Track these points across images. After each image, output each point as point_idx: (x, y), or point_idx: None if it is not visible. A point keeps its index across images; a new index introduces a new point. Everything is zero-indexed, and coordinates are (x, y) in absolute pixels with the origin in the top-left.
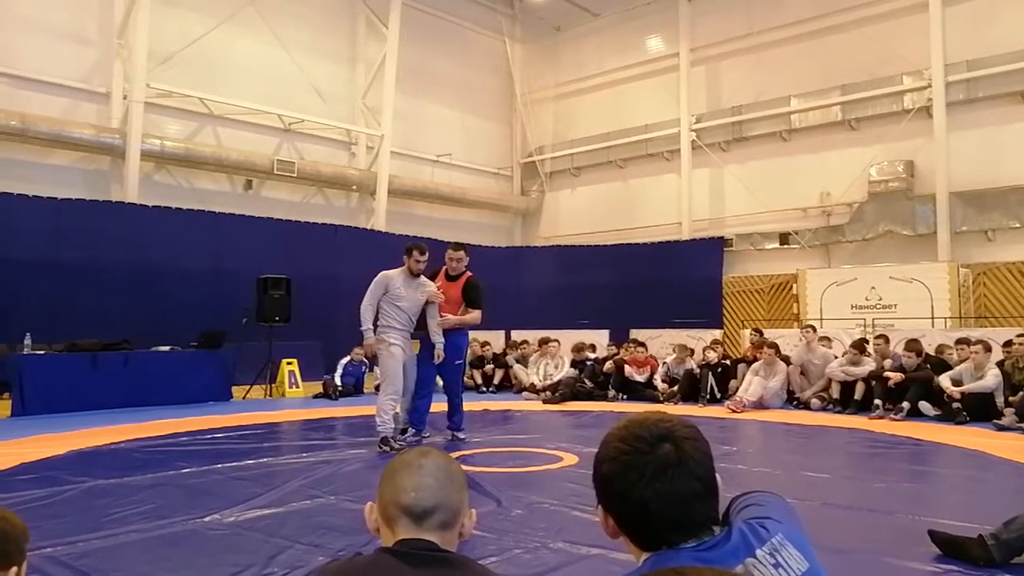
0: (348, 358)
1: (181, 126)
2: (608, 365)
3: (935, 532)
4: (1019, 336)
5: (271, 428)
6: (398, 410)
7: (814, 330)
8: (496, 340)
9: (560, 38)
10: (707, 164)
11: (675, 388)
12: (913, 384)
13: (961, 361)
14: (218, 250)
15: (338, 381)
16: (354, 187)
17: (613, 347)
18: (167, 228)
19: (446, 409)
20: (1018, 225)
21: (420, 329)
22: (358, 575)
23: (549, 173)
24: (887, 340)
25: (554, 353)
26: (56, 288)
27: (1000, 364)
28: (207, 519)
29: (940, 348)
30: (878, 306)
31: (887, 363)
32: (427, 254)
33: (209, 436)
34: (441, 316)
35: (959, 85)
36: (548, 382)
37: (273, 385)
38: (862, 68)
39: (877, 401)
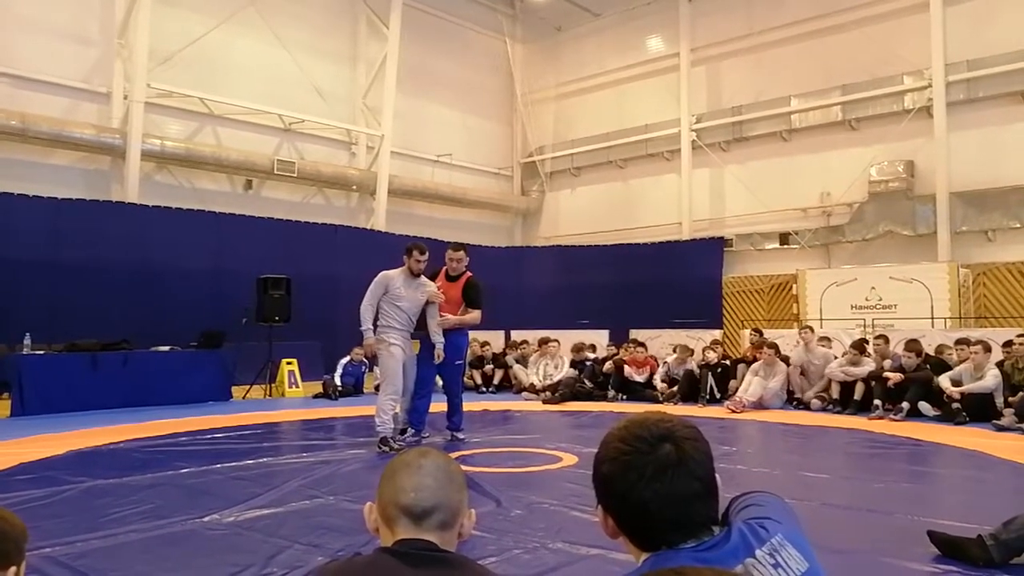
0: (348, 358)
1: (181, 126)
2: (608, 365)
3: (934, 532)
4: (1019, 336)
5: (271, 428)
6: (398, 410)
7: (812, 330)
8: (496, 340)
9: (561, 38)
10: (707, 164)
11: (675, 388)
12: (913, 384)
13: (961, 361)
14: (218, 250)
15: (338, 381)
16: (354, 187)
17: (613, 347)
18: (167, 228)
19: (445, 409)
20: (1018, 225)
21: (420, 329)
22: (357, 575)
23: (549, 173)
24: (887, 340)
25: (554, 353)
26: (56, 288)
27: (1000, 364)
28: (206, 519)
29: (940, 348)
30: (878, 306)
31: (887, 363)
32: (427, 254)
33: (208, 436)
34: (441, 316)
35: (959, 85)
36: (548, 382)
37: (273, 385)
38: (862, 68)
39: (877, 401)
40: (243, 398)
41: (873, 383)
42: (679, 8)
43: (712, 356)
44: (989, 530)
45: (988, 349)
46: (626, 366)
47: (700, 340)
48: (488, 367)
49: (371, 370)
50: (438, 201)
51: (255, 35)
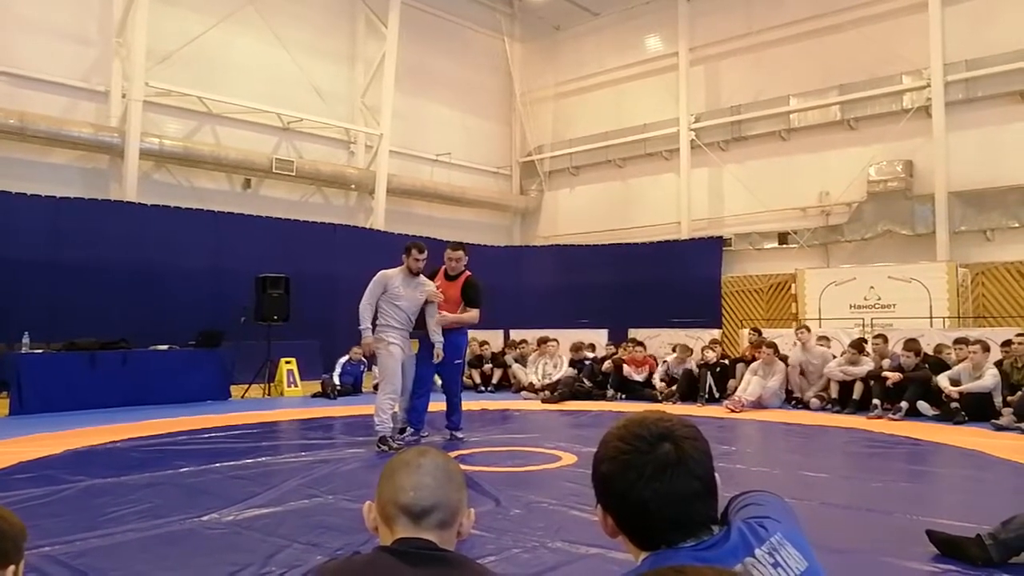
0: (347, 357)
1: (180, 125)
2: (607, 364)
3: (933, 532)
4: (1018, 336)
5: (269, 427)
6: (396, 409)
7: (808, 330)
8: (495, 339)
9: (559, 37)
10: (706, 163)
11: (673, 388)
12: (911, 384)
13: (959, 361)
14: (217, 249)
15: (336, 380)
16: (353, 186)
17: (612, 347)
18: (166, 227)
19: (444, 408)
20: (1017, 225)
21: (419, 328)
22: (356, 574)
23: (548, 172)
24: (886, 340)
25: (553, 352)
26: (54, 287)
27: (998, 364)
28: (205, 518)
29: (938, 348)
30: (877, 306)
31: (885, 363)
32: (426, 252)
33: (207, 435)
34: (439, 313)
35: (958, 85)
36: (547, 381)
37: (272, 384)
38: (861, 68)
39: (875, 401)
40: (242, 397)
41: (872, 382)
42: (678, 7)
43: (711, 355)
44: (988, 529)
45: (987, 349)
46: (625, 365)
47: (699, 339)
48: (487, 366)
49: (370, 369)
50: (437, 200)
51: (254, 34)
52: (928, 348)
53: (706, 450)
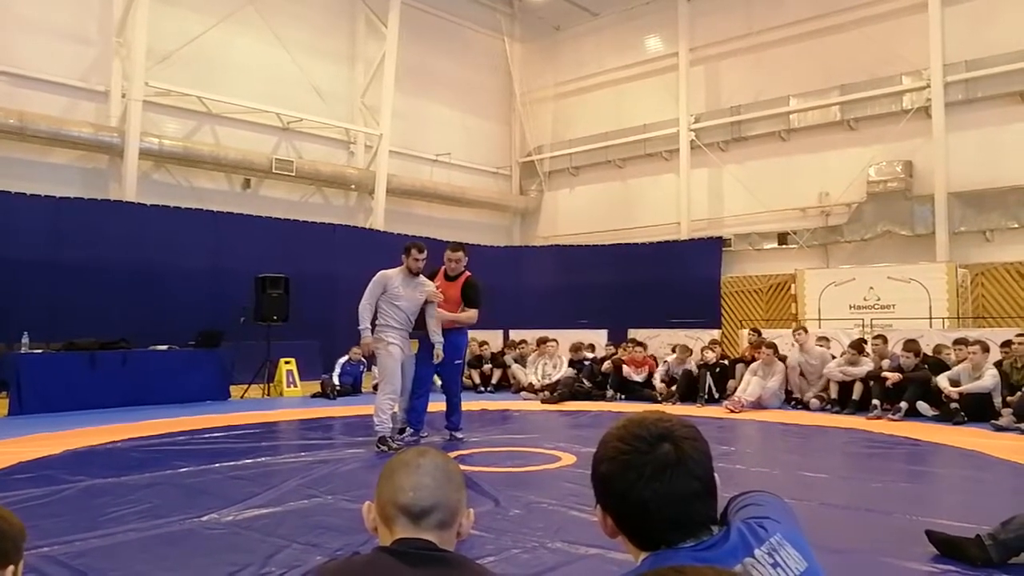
0: (346, 357)
1: (179, 125)
2: (606, 365)
3: (933, 532)
4: (1017, 336)
5: (269, 427)
6: (396, 410)
7: (806, 331)
8: (494, 340)
9: (559, 38)
10: (706, 164)
11: (673, 388)
12: (911, 384)
13: (959, 361)
14: (216, 249)
15: (336, 380)
16: (353, 186)
17: (611, 347)
18: (165, 227)
19: (444, 409)
20: (1016, 226)
21: (419, 329)
22: (356, 574)
23: (548, 173)
24: (885, 340)
25: (552, 353)
26: (54, 287)
27: (998, 364)
28: (205, 518)
29: (938, 348)
30: (876, 306)
31: (885, 363)
32: (425, 252)
33: (207, 435)
34: (437, 311)
35: (958, 85)
36: (546, 382)
37: (271, 384)
38: (861, 68)
39: (875, 401)
40: (241, 397)
41: (871, 383)
42: (678, 8)
43: (711, 356)
44: (987, 530)
45: (986, 349)
46: (624, 366)
47: (698, 340)
48: (486, 367)
49: (369, 369)
50: (437, 200)
51: (254, 34)
52: (928, 349)
53: (705, 450)
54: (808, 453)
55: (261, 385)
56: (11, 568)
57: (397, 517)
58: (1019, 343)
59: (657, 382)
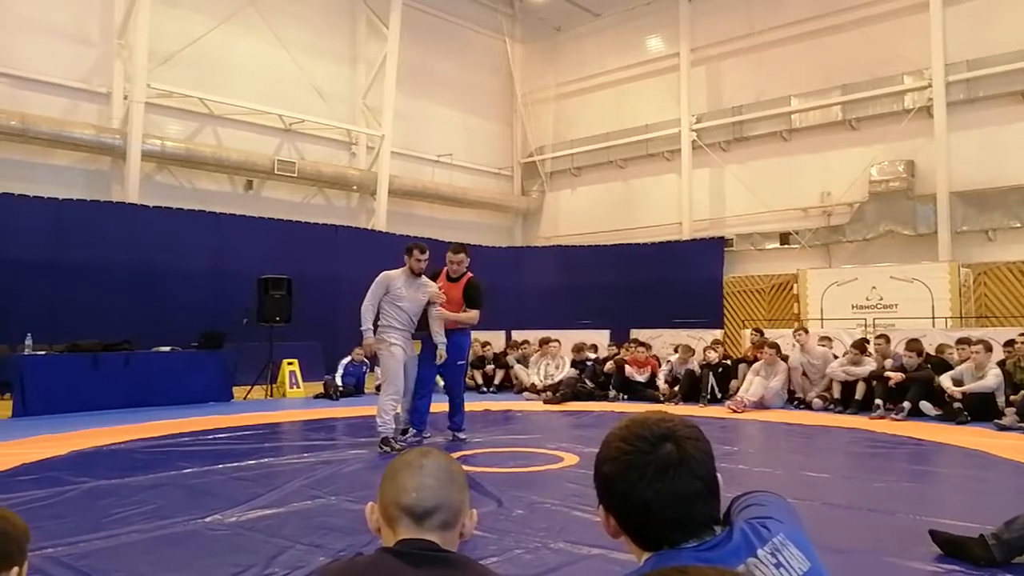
0: (349, 358)
1: (182, 126)
2: (609, 365)
3: (936, 532)
4: (1021, 335)
5: (272, 428)
6: (399, 410)
7: (807, 332)
8: (497, 340)
9: (560, 38)
10: (707, 164)
11: (676, 388)
12: (914, 384)
13: (962, 361)
14: (219, 250)
15: (339, 381)
16: (355, 187)
17: (614, 347)
18: (168, 228)
19: (447, 409)
20: (1019, 225)
21: (422, 329)
22: (359, 575)
23: (550, 173)
24: (888, 340)
25: (555, 353)
26: (57, 288)
27: (1001, 364)
28: (208, 519)
29: (941, 348)
30: (879, 306)
31: (888, 363)
32: (427, 253)
33: (210, 436)
34: (438, 310)
35: (959, 85)
36: (549, 382)
37: (274, 385)
38: (862, 68)
39: (878, 401)
40: (244, 399)
41: (874, 383)
42: (679, 8)
43: (713, 356)
44: (991, 529)
45: (989, 348)
46: (627, 366)
47: (701, 340)
48: (489, 367)
49: (372, 370)
50: (438, 201)
51: (255, 35)
52: (930, 348)
53: (708, 450)
54: (811, 453)
55: (264, 386)
56: (15, 570)
57: (400, 518)
58: (1022, 342)
59: (661, 382)
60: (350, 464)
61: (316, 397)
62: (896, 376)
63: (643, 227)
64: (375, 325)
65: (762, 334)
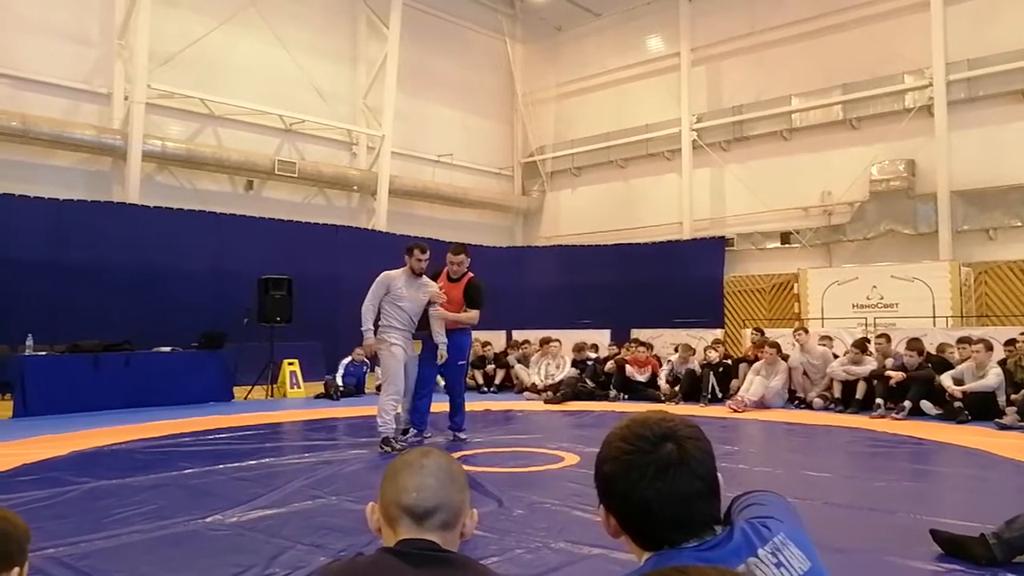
0: (349, 358)
1: (182, 127)
2: (609, 365)
3: (937, 531)
4: (1022, 334)
5: (273, 429)
6: (399, 410)
7: (807, 332)
8: (497, 340)
9: (561, 38)
10: (708, 164)
11: (677, 388)
12: (915, 383)
13: (963, 360)
14: (219, 251)
15: (339, 381)
16: (355, 187)
17: (614, 347)
18: (168, 229)
19: (448, 409)
20: (1019, 224)
21: (422, 329)
22: (360, 575)
23: (550, 173)
24: (888, 339)
25: (555, 353)
26: (58, 289)
27: (1002, 363)
28: (209, 520)
29: (941, 347)
30: (879, 305)
31: (889, 362)
32: (428, 252)
33: (211, 437)
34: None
35: (960, 84)
36: (549, 382)
37: (274, 386)
38: (863, 67)
39: (879, 400)
40: (245, 399)
41: (875, 382)
42: (679, 8)
43: (713, 355)
44: (992, 529)
45: (990, 348)
46: (628, 366)
47: (701, 339)
48: (490, 367)
49: (372, 370)
50: (439, 201)
51: (255, 35)
52: (931, 347)
53: (709, 450)
54: (811, 452)
55: (264, 386)
56: (16, 570)
57: (401, 518)
58: (1023, 341)
59: (662, 382)
60: (351, 464)
61: (317, 397)
62: (897, 375)
63: (643, 227)
64: (376, 325)
65: (763, 333)
